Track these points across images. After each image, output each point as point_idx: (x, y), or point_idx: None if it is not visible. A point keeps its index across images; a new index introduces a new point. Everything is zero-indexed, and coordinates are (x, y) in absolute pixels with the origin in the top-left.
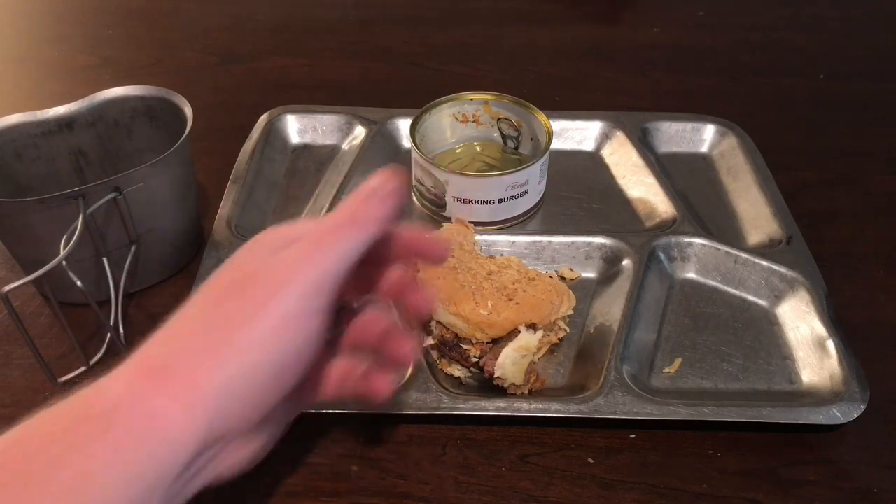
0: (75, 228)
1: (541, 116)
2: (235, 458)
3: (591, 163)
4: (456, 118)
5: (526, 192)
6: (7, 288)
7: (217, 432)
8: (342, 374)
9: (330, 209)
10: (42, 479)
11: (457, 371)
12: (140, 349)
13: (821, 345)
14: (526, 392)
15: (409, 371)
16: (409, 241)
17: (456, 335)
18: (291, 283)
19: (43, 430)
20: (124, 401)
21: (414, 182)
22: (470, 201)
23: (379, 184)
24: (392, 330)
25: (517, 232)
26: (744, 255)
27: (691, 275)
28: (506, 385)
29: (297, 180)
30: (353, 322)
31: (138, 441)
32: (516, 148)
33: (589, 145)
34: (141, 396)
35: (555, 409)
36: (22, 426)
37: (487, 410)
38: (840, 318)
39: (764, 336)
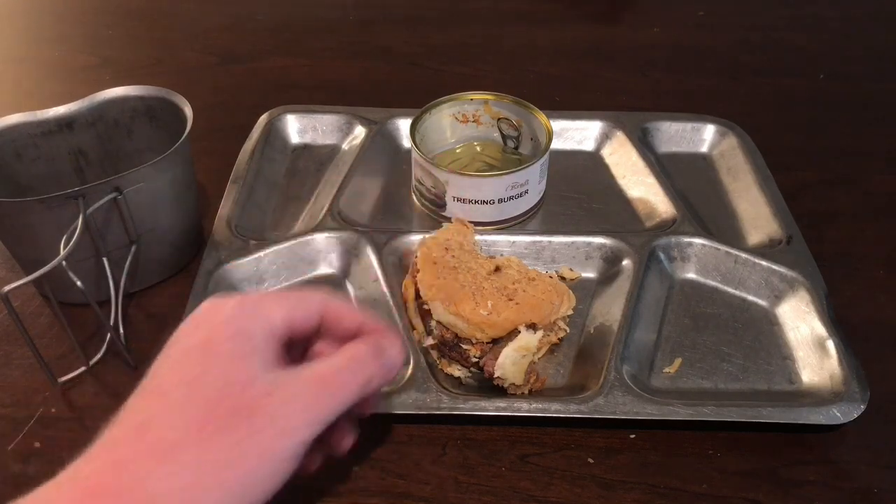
0: (75, 228)
1: (541, 116)
2: None
3: (591, 163)
4: (456, 118)
5: (526, 192)
6: (7, 288)
7: None
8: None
9: (330, 209)
10: None
11: (457, 371)
12: (117, 419)
13: (821, 345)
14: (526, 392)
15: (409, 371)
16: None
17: (456, 335)
18: (299, 429)
19: None
20: None
21: (414, 182)
22: (470, 201)
23: (388, 343)
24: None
25: (517, 232)
26: (744, 255)
27: (691, 275)
28: (506, 385)
29: (297, 180)
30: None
31: None
32: (516, 148)
33: (589, 145)
34: None
35: (555, 409)
36: None
37: (487, 410)
38: (840, 318)
39: (764, 336)
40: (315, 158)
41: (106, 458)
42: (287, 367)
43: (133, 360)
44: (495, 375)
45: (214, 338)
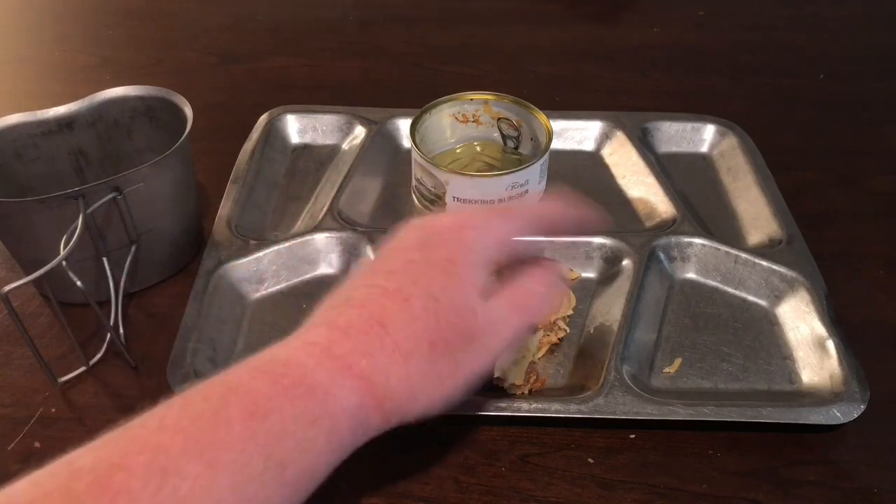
0: (75, 228)
1: (541, 116)
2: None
3: (591, 163)
4: (456, 118)
5: (526, 192)
6: (7, 288)
7: (401, 414)
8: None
9: (330, 209)
10: (267, 450)
11: None
12: (346, 341)
13: (821, 345)
14: (526, 392)
15: None
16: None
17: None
18: (498, 351)
19: (255, 395)
20: (331, 392)
21: (414, 182)
22: (470, 201)
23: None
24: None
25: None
26: (744, 255)
27: (691, 275)
28: (506, 385)
29: (297, 180)
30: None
31: (335, 428)
32: (516, 148)
33: (589, 145)
34: (342, 376)
35: (555, 409)
36: (225, 389)
37: (487, 410)
38: (840, 318)
39: (764, 336)
40: (315, 158)
41: (347, 340)
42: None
43: (133, 360)
44: (495, 375)
45: (457, 259)
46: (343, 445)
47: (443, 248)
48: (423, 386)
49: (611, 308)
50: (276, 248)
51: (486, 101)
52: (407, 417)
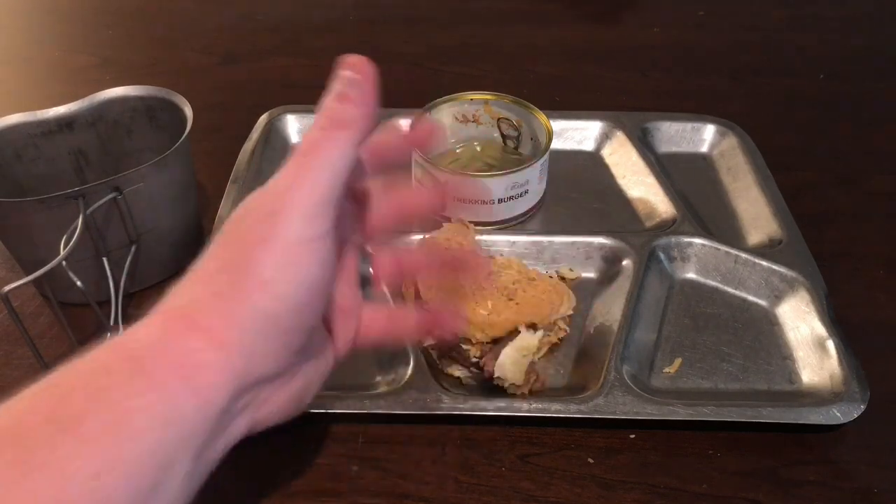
0: (75, 228)
1: (541, 116)
2: (274, 403)
3: (591, 163)
4: (456, 118)
5: (526, 192)
6: (7, 288)
7: (252, 374)
8: (376, 319)
9: None
10: (73, 425)
11: (457, 371)
12: (166, 298)
13: (821, 345)
14: (526, 392)
15: (409, 371)
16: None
17: (456, 335)
18: (287, 207)
19: (75, 375)
20: (157, 345)
21: (414, 182)
22: (470, 201)
23: (350, 74)
24: (430, 261)
25: (517, 232)
26: (744, 255)
27: (691, 275)
28: (506, 385)
29: None
30: (383, 263)
31: (174, 385)
32: (516, 148)
33: (589, 145)
34: (174, 340)
35: (555, 409)
36: (56, 372)
37: (487, 410)
38: (840, 318)
39: (764, 336)
40: None
41: (173, 297)
42: None
43: None
44: (495, 375)
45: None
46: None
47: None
48: (230, 266)
49: (611, 308)
50: None
51: (486, 101)
52: (253, 304)
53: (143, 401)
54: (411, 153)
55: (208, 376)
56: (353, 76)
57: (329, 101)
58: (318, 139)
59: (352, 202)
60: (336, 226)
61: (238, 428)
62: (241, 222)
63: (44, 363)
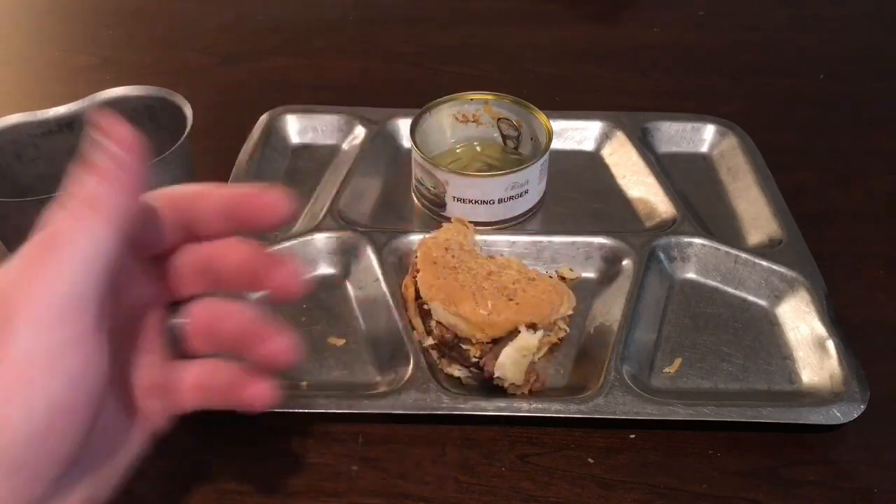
0: None
1: (541, 116)
2: None
3: (591, 163)
4: (456, 118)
5: (526, 192)
6: None
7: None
8: (201, 380)
9: (330, 209)
10: None
11: (457, 371)
12: None
13: (821, 345)
14: (526, 392)
15: (409, 371)
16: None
17: (456, 335)
18: (15, 314)
19: None
20: None
21: (414, 182)
22: (470, 201)
23: (113, 147)
24: (254, 324)
25: (517, 232)
26: (744, 255)
27: (691, 275)
28: (506, 385)
29: (297, 180)
30: (195, 319)
31: None
32: (516, 148)
33: (589, 145)
34: None
35: (555, 409)
36: None
37: (487, 410)
38: (840, 318)
39: (764, 336)
40: (315, 158)
41: None
42: None
43: None
44: (495, 375)
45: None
46: None
47: None
48: None
49: (611, 308)
50: (275, 248)
51: (486, 101)
52: None
53: None
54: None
55: None
56: (115, 149)
57: (80, 175)
58: (60, 225)
59: (146, 261)
60: (115, 305)
61: None
62: None
63: None
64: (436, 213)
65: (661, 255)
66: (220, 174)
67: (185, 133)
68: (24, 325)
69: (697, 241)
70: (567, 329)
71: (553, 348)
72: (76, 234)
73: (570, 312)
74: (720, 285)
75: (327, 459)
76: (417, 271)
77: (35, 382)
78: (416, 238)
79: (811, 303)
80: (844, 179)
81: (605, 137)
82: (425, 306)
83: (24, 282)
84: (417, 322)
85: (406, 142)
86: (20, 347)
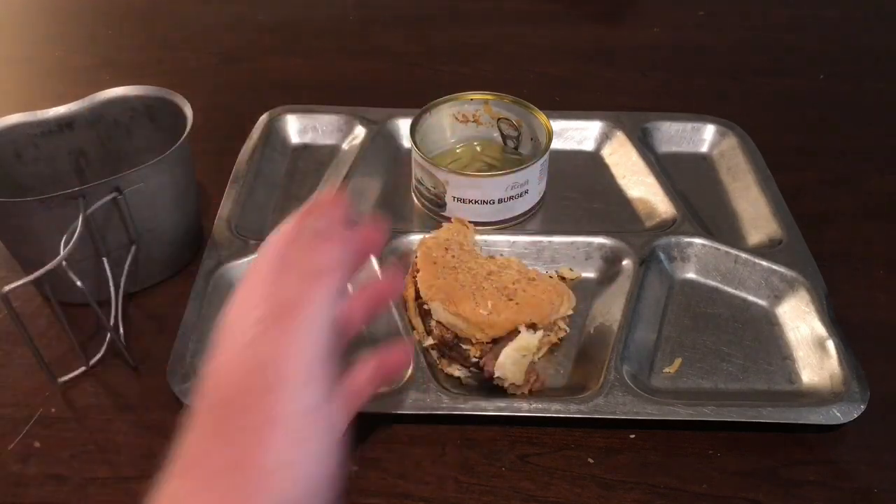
0: (75, 228)
1: (541, 116)
2: None
3: (591, 163)
4: (456, 118)
5: (526, 192)
6: (7, 288)
7: None
8: (364, 375)
9: None
10: None
11: (457, 371)
12: (168, 491)
13: (821, 345)
14: (526, 392)
15: (409, 371)
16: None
17: (456, 335)
18: (282, 380)
19: None
20: None
21: (414, 182)
22: (470, 201)
23: (326, 214)
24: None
25: (517, 232)
26: (744, 255)
27: (691, 275)
28: (506, 385)
29: (297, 180)
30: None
31: None
32: (516, 148)
33: (589, 145)
34: None
35: (555, 409)
36: None
37: (487, 410)
38: (840, 318)
39: (764, 336)
40: (315, 158)
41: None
42: None
43: (133, 360)
44: (495, 375)
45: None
46: None
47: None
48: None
49: (611, 308)
50: None
51: (486, 101)
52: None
53: None
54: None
55: None
56: (326, 215)
57: (302, 247)
58: (295, 298)
59: None
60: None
61: None
62: (229, 405)
63: (44, 363)
64: (436, 213)
65: (661, 255)
66: (220, 174)
67: (185, 133)
68: (292, 388)
69: (697, 241)
70: (567, 329)
71: (553, 348)
72: (308, 305)
73: (570, 312)
74: (720, 285)
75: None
76: (417, 271)
77: (311, 436)
78: (416, 238)
79: (811, 303)
80: (844, 179)
81: (605, 137)
82: (425, 306)
83: (282, 352)
84: (417, 322)
85: (406, 142)
86: (296, 406)
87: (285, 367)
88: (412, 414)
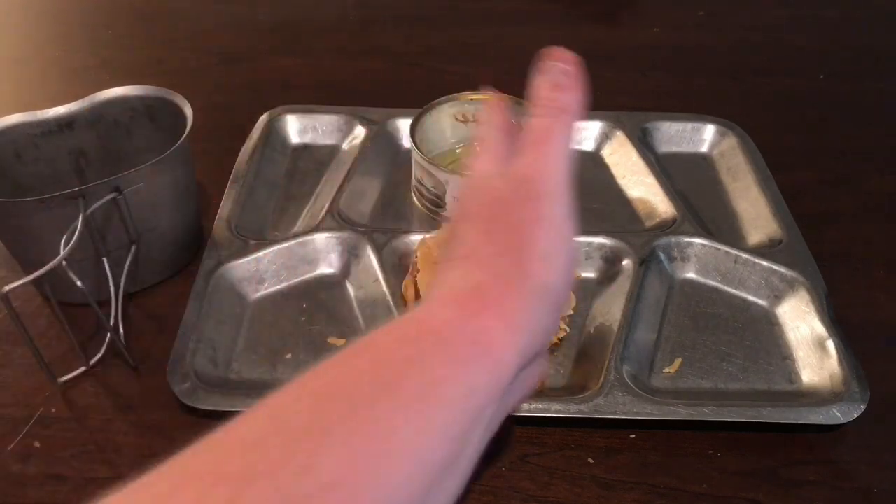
0: (75, 228)
1: None
2: (525, 386)
3: (591, 163)
4: (456, 118)
5: None
6: (7, 288)
7: (530, 351)
8: None
9: (330, 209)
10: (391, 388)
11: None
12: (444, 279)
13: (821, 345)
14: None
15: None
16: None
17: None
18: (545, 191)
19: (384, 343)
20: (456, 322)
21: (414, 182)
22: None
23: (561, 66)
24: None
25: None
26: (744, 255)
27: (691, 275)
28: None
29: (297, 180)
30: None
31: (474, 358)
32: None
33: (589, 145)
34: (471, 319)
35: (555, 409)
36: (361, 341)
37: None
38: (840, 318)
39: (764, 336)
40: (315, 158)
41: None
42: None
43: (133, 360)
44: None
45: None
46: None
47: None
48: (504, 251)
49: (611, 308)
50: (276, 248)
51: (486, 101)
52: (529, 288)
53: (449, 371)
54: None
55: (501, 353)
56: (564, 67)
57: (546, 91)
58: (548, 127)
59: None
60: None
61: (507, 406)
62: (498, 205)
63: (44, 363)
64: (436, 213)
65: (661, 255)
66: (220, 174)
67: (185, 133)
68: (555, 196)
69: (697, 241)
70: (567, 329)
71: (553, 348)
72: (559, 133)
73: (570, 312)
74: (720, 285)
75: None
76: (417, 271)
77: (568, 237)
78: (416, 238)
79: (811, 303)
80: (844, 179)
81: (605, 137)
82: None
83: (543, 170)
84: None
85: (406, 142)
86: (557, 212)
87: (546, 182)
88: None
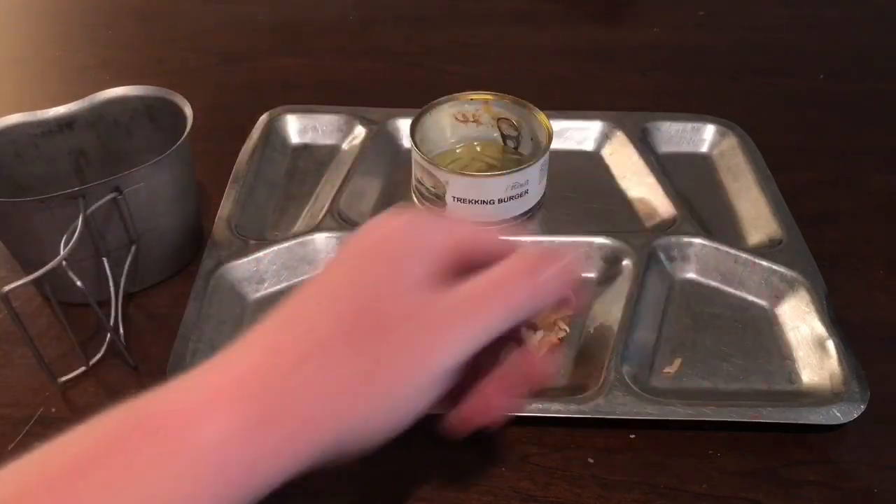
0: (75, 228)
1: (541, 116)
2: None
3: (591, 163)
4: (456, 118)
5: (526, 192)
6: (7, 288)
7: (323, 462)
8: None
9: (330, 209)
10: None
11: None
12: (252, 360)
13: (821, 345)
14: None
15: None
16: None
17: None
18: (453, 342)
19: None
20: (234, 444)
21: (414, 182)
22: (470, 201)
23: (570, 264)
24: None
25: (517, 232)
26: (744, 255)
27: (691, 275)
28: None
29: (297, 180)
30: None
31: (230, 481)
32: (516, 148)
33: (589, 145)
34: (250, 446)
35: (555, 409)
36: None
37: None
38: (840, 318)
39: (764, 336)
40: (315, 158)
41: (262, 345)
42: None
43: (133, 360)
44: None
45: (389, 237)
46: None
47: (377, 230)
48: (353, 376)
49: (611, 308)
50: (276, 248)
51: (486, 101)
52: (353, 424)
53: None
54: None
55: (271, 479)
56: (570, 265)
57: (540, 259)
58: (511, 288)
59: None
60: None
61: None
62: (377, 318)
63: (44, 363)
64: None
65: (661, 255)
66: (220, 174)
67: (185, 133)
68: (448, 354)
69: (697, 241)
70: (567, 329)
71: (553, 348)
72: (515, 300)
73: (571, 312)
74: (720, 285)
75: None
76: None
77: (421, 400)
78: None
79: (811, 303)
80: (844, 179)
81: (605, 137)
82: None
83: (464, 320)
84: None
85: (406, 142)
86: (436, 371)
87: (466, 333)
88: None
